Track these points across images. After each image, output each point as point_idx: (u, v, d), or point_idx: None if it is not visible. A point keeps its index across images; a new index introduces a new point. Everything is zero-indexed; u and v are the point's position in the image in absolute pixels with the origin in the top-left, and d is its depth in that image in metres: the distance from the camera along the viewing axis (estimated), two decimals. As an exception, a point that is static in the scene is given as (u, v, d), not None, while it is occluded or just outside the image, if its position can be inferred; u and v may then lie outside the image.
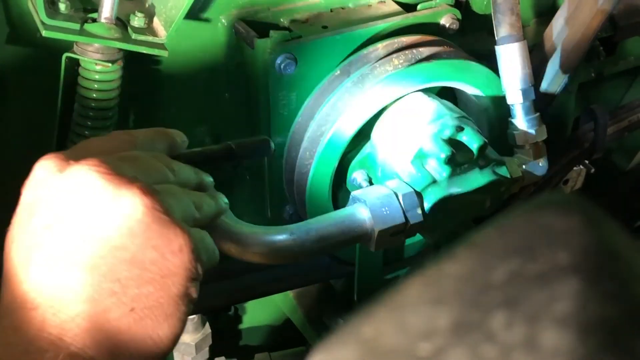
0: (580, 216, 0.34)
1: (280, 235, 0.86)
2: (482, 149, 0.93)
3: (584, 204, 0.35)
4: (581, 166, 1.35)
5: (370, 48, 0.97)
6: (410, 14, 1.02)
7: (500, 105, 1.00)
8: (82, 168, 0.57)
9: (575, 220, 0.34)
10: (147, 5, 0.92)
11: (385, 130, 0.96)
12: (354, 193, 0.91)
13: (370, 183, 0.99)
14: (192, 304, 0.59)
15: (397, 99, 0.96)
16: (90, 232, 0.55)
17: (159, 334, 0.56)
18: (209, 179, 0.68)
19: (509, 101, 0.99)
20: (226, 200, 0.68)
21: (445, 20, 1.03)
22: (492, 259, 0.34)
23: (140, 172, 0.60)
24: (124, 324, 0.55)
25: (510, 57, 0.97)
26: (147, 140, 0.66)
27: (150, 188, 0.57)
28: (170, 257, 0.56)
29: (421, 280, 0.34)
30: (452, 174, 0.90)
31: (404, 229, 0.90)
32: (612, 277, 0.31)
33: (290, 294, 1.17)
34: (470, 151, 0.92)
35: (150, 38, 0.89)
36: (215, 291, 1.03)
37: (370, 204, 0.88)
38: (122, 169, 0.58)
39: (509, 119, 1.00)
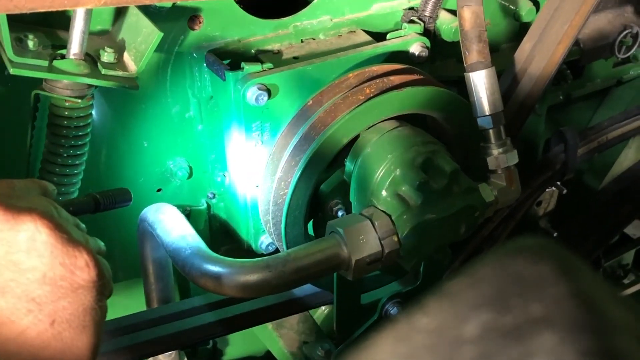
0: (552, 263, 0.33)
1: (257, 269, 0.85)
2: (454, 174, 0.93)
3: (556, 250, 0.34)
4: (553, 188, 1.37)
5: (342, 77, 0.98)
6: (380, 43, 1.03)
7: (471, 131, 1.01)
8: None
9: (547, 268, 0.33)
10: (116, 40, 0.92)
11: (358, 158, 0.97)
12: (330, 222, 0.91)
13: (346, 211, 0.99)
14: (104, 317, 0.63)
15: (370, 127, 0.97)
16: None
17: (79, 346, 0.59)
18: (82, 225, 0.72)
19: (479, 127, 1.00)
20: (103, 244, 0.72)
21: (415, 49, 1.04)
22: (464, 311, 0.33)
23: (31, 205, 0.62)
24: (43, 341, 0.57)
25: (480, 83, 0.98)
26: (23, 186, 0.70)
27: (48, 212, 0.61)
28: (78, 272, 0.59)
29: (392, 335, 0.33)
30: (426, 201, 0.91)
31: (380, 257, 0.90)
32: (588, 330, 0.30)
33: (269, 325, 1.16)
34: (443, 177, 0.93)
35: (120, 73, 0.88)
36: (192, 325, 1.01)
37: (346, 233, 0.88)
38: (13, 201, 0.61)
39: (481, 144, 1.01)
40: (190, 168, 1.06)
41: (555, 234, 1.44)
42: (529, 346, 0.30)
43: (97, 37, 0.91)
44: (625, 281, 1.66)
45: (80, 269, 0.60)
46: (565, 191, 1.37)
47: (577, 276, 0.33)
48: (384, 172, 0.93)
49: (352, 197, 0.97)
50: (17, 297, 0.57)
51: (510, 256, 0.35)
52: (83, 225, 0.71)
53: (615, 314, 0.32)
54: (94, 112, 0.93)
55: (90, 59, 0.88)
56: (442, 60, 1.15)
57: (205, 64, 0.98)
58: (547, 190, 1.36)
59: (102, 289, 0.62)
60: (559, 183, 1.35)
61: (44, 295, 0.58)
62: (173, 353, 1.13)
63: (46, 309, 0.58)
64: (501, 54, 1.20)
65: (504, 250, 0.36)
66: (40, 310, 0.58)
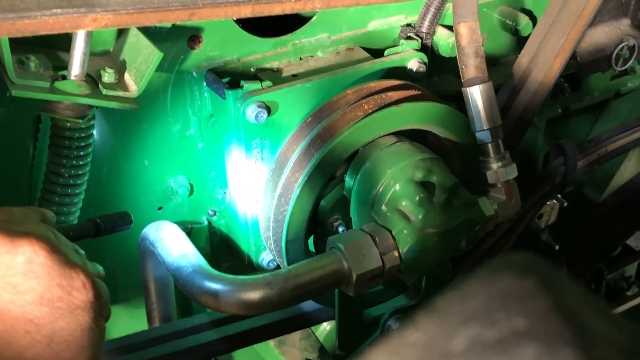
0: (537, 279, 0.34)
1: (258, 286, 0.85)
2: (454, 189, 0.94)
3: (541, 265, 0.35)
4: (554, 200, 1.37)
5: (340, 94, 0.99)
6: (377, 60, 1.04)
7: (470, 146, 1.02)
8: None
9: (531, 283, 0.34)
10: (117, 61, 0.93)
11: (358, 173, 0.97)
12: (330, 238, 0.91)
13: (347, 227, 0.99)
14: (103, 337, 0.63)
15: (369, 143, 0.97)
16: None
17: None
18: (81, 251, 0.73)
19: (478, 141, 1.00)
20: (102, 268, 0.72)
21: (412, 65, 1.05)
22: (453, 325, 0.34)
23: (28, 229, 0.63)
24: None
25: (477, 97, 0.98)
26: (22, 213, 0.70)
27: (45, 236, 0.62)
28: (75, 293, 0.60)
29: (384, 349, 0.34)
30: (426, 215, 0.91)
31: (381, 272, 0.90)
32: (570, 343, 0.31)
33: (271, 342, 1.16)
34: (443, 192, 0.93)
35: (121, 93, 0.89)
36: (194, 344, 1.01)
37: (347, 249, 0.88)
38: (11, 226, 0.62)
39: (480, 158, 1.01)
40: (191, 186, 1.07)
41: (556, 247, 1.43)
42: (513, 358, 0.31)
43: (98, 58, 0.92)
44: (629, 293, 1.65)
45: (77, 289, 0.60)
46: (566, 204, 1.37)
47: (560, 291, 0.34)
48: (384, 187, 0.93)
49: (352, 213, 0.98)
50: (16, 319, 0.58)
51: (497, 272, 0.36)
52: (82, 251, 0.72)
53: (598, 328, 0.32)
54: (95, 132, 0.94)
55: (91, 79, 0.89)
56: (440, 75, 1.16)
57: (205, 83, 0.99)
58: (548, 203, 1.36)
59: (100, 310, 0.62)
60: (559, 196, 1.35)
61: (41, 316, 0.59)
62: (175, 371, 1.12)
63: (44, 330, 0.58)
64: (499, 68, 1.21)
65: (492, 267, 0.37)
66: (38, 331, 0.58)
